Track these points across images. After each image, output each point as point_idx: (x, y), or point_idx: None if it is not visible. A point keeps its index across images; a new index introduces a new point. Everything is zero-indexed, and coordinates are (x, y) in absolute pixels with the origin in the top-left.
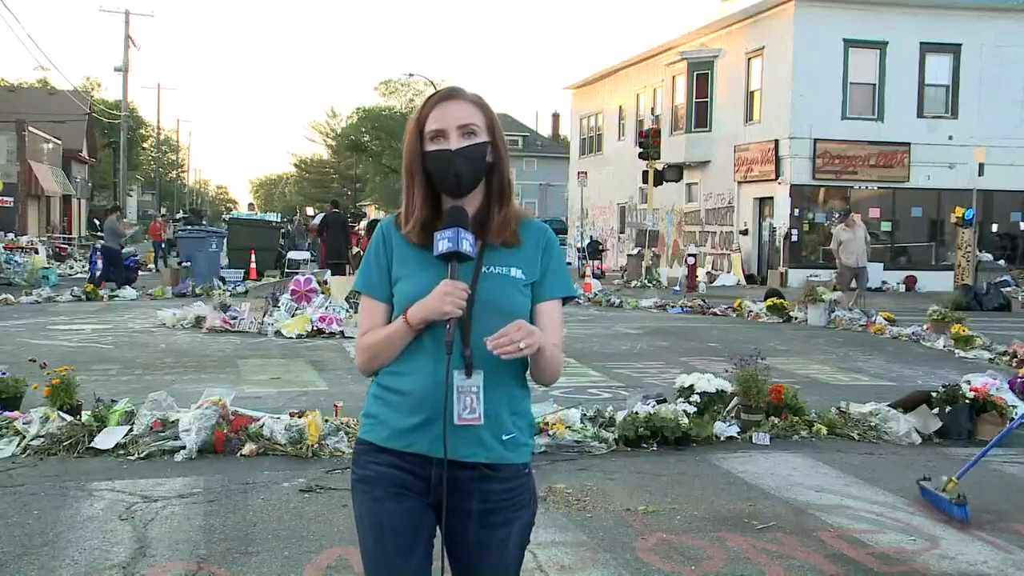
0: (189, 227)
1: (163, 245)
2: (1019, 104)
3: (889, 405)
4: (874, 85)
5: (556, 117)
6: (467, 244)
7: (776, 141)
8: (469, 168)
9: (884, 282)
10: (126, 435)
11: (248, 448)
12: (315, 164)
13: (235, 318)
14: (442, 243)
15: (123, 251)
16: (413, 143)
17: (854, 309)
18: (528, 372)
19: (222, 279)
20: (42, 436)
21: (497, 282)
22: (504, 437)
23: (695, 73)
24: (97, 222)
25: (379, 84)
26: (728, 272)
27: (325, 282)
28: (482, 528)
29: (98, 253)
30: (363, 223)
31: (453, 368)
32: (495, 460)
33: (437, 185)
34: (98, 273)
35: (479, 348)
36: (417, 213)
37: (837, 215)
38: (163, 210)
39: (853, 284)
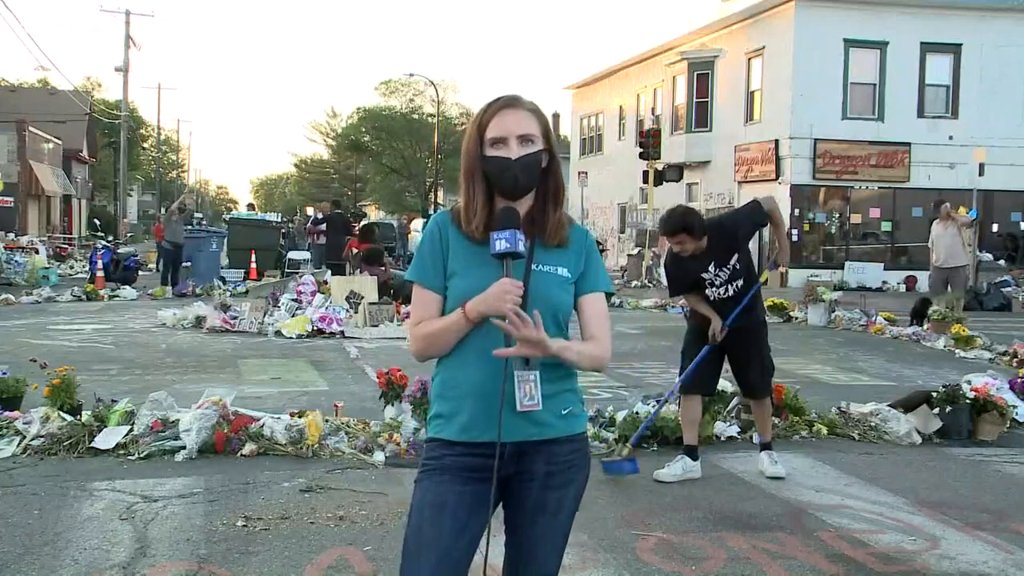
0: (187, 227)
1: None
2: (1019, 104)
3: (889, 405)
4: (874, 85)
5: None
6: (522, 245)
7: (776, 141)
8: (527, 175)
9: (884, 282)
10: (126, 435)
11: (248, 448)
12: (315, 164)
13: (235, 318)
14: (500, 243)
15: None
16: (473, 147)
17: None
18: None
19: (222, 279)
20: (42, 436)
21: (547, 279)
22: (563, 412)
23: (695, 73)
24: (97, 222)
25: (379, 84)
26: None
27: (325, 282)
28: (543, 489)
29: (98, 253)
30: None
31: (512, 360)
32: (556, 435)
33: (495, 188)
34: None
35: None
36: (480, 213)
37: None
38: (163, 210)
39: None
